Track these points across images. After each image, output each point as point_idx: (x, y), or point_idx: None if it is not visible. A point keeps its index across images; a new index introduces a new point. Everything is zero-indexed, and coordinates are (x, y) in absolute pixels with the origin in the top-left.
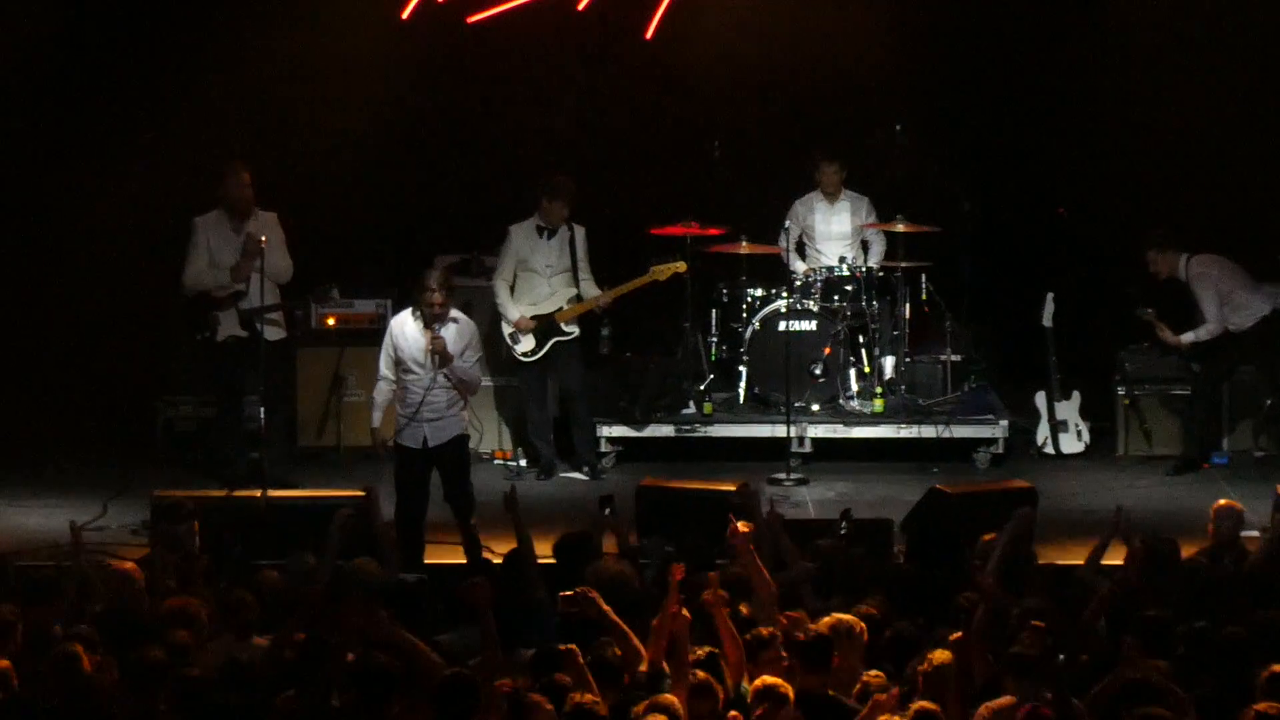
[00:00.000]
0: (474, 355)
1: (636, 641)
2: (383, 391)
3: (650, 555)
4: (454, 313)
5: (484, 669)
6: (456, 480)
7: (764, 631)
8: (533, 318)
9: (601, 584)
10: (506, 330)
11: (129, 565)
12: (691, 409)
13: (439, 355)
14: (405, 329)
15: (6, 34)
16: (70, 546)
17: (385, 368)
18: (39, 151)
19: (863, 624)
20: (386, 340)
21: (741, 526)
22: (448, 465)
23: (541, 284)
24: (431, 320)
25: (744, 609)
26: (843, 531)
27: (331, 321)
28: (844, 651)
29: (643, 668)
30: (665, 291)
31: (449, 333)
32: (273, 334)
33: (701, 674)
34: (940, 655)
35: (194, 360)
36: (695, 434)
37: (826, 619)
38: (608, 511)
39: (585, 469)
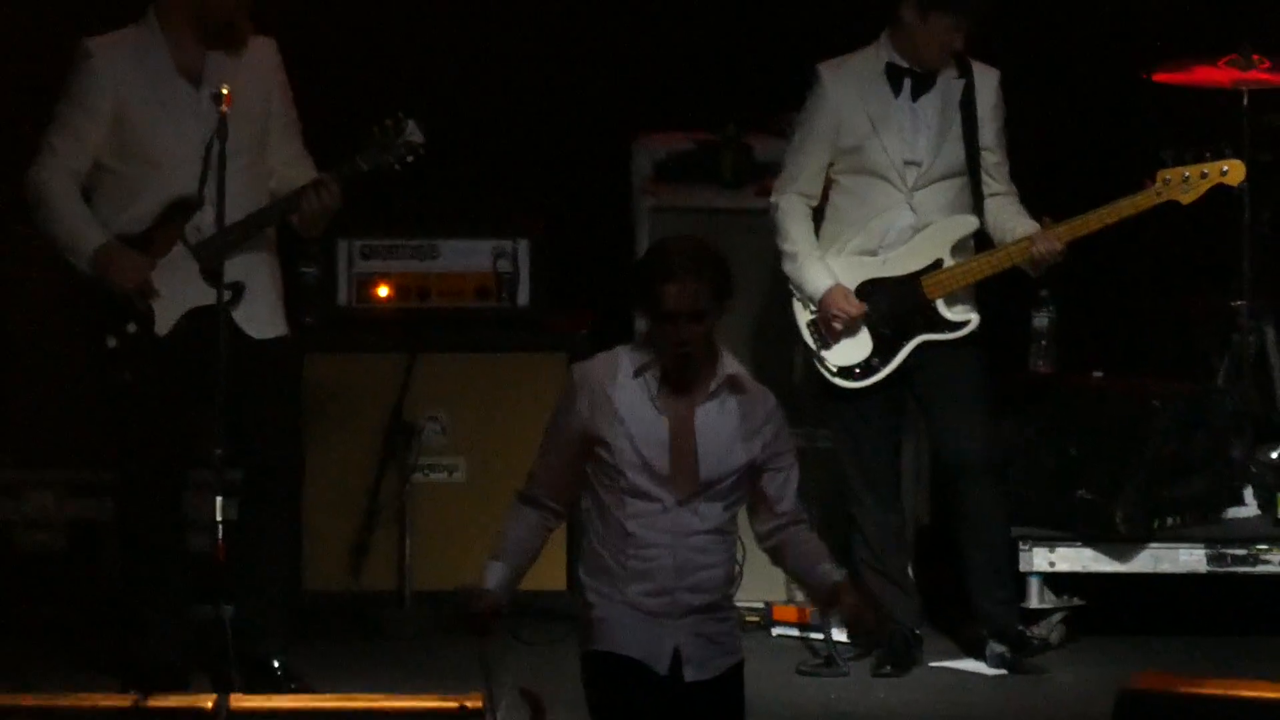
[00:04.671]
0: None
1: None
2: (528, 517)
3: None
4: (728, 366)
5: None
6: None
7: None
8: (869, 285)
9: None
10: (802, 318)
11: None
12: (1249, 507)
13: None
14: (619, 392)
15: None
16: None
17: (550, 454)
18: None
19: None
20: (571, 408)
21: None
22: None
23: (895, 205)
24: (679, 370)
25: None
26: None
27: (385, 291)
28: None
29: None
30: (1194, 226)
31: (727, 414)
32: (254, 321)
33: None
34: None
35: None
36: (1255, 569)
37: None
38: None
39: (995, 647)
